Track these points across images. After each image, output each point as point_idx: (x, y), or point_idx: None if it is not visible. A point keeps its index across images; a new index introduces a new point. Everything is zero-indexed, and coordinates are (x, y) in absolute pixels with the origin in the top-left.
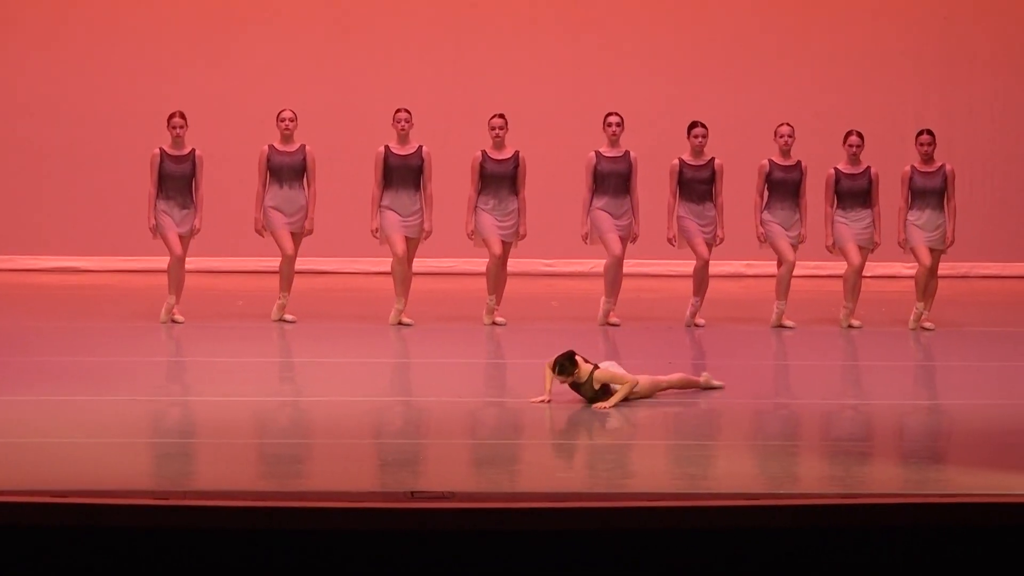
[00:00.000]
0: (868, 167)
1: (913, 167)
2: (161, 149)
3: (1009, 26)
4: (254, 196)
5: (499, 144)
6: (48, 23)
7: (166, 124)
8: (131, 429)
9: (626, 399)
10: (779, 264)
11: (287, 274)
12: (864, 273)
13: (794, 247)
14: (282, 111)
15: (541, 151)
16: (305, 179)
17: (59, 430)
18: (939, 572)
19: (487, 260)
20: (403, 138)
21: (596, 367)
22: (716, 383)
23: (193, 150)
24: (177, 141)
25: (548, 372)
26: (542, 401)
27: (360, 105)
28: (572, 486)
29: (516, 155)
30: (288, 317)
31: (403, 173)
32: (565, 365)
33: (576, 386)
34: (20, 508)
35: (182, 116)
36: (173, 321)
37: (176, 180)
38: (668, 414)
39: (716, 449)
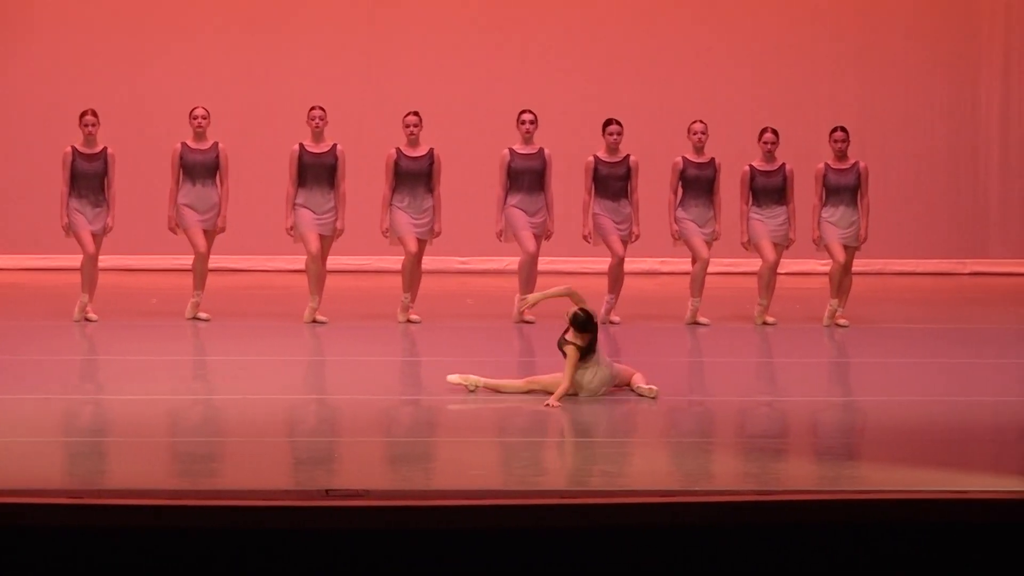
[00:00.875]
0: (783, 164)
1: (827, 164)
2: (73, 147)
3: (924, 24)
4: (167, 194)
5: (414, 142)
6: None
7: (78, 122)
8: (44, 428)
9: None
10: (693, 261)
11: (200, 272)
12: (779, 270)
13: (708, 244)
14: (195, 108)
15: (456, 148)
16: (218, 177)
17: None
18: (852, 569)
19: (402, 258)
20: (317, 136)
21: (581, 348)
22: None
23: (105, 148)
24: (89, 139)
25: (547, 292)
26: (524, 306)
27: (274, 103)
28: (487, 484)
29: (431, 152)
30: (202, 315)
31: (317, 171)
32: (577, 318)
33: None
34: None
35: (94, 114)
36: (86, 319)
37: (88, 178)
38: (582, 412)
39: (631, 446)
